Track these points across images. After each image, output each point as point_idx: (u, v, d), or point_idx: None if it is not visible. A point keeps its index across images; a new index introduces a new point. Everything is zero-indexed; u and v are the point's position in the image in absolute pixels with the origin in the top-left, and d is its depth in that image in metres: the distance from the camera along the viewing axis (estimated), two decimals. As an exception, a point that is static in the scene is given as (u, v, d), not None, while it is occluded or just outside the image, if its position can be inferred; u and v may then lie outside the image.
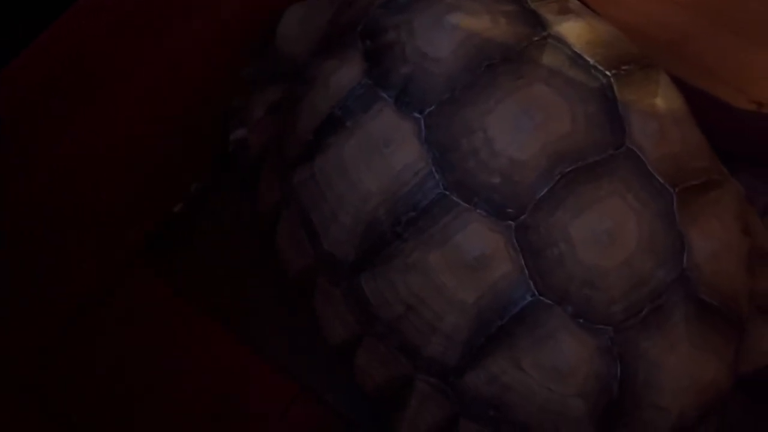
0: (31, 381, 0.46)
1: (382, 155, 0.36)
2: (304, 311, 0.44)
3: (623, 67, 0.37)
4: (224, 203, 0.53)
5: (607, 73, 0.37)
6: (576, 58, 0.37)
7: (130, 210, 0.50)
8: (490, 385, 0.36)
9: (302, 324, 0.46)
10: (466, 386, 0.36)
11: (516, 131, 0.35)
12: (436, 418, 0.38)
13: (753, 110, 0.47)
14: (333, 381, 0.46)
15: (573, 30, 0.38)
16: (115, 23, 0.46)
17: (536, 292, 0.34)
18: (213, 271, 0.51)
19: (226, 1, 0.47)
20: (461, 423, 0.37)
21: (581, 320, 0.34)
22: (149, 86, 0.48)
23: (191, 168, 0.53)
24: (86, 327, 0.48)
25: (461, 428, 0.37)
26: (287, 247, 0.42)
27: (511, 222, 0.34)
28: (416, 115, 0.36)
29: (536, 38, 0.37)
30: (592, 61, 0.37)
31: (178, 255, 0.51)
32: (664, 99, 0.38)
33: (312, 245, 0.40)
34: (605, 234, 0.34)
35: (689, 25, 0.48)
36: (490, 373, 0.36)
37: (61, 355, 0.47)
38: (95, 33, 0.47)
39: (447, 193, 0.35)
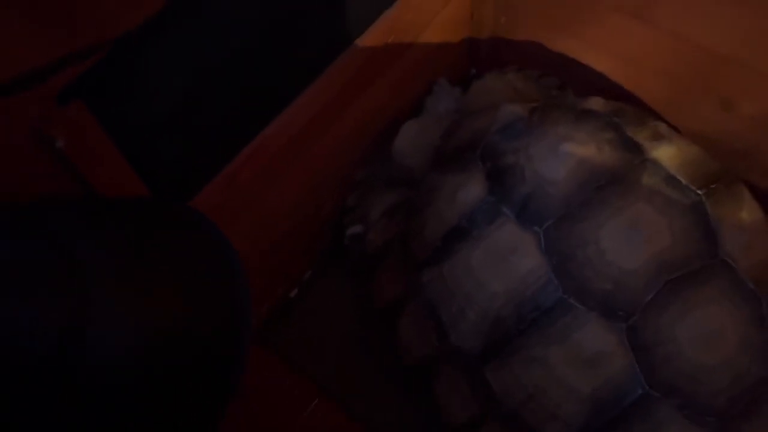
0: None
1: (508, 262, 0.42)
2: (414, 390, 0.49)
3: (711, 185, 0.43)
4: (333, 288, 0.60)
5: (699, 192, 0.43)
6: (671, 179, 0.43)
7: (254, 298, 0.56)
8: (605, 466, 0.40)
9: (411, 399, 0.51)
10: (583, 466, 0.41)
11: (625, 244, 0.40)
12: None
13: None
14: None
15: (666, 153, 0.44)
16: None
17: (646, 386, 0.39)
18: (324, 349, 0.57)
19: (341, 123, 0.54)
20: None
21: (687, 411, 0.39)
22: (279, 192, 0.55)
23: (306, 258, 0.60)
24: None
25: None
26: (411, 336, 0.48)
27: (623, 323, 0.40)
28: (536, 228, 0.42)
29: (636, 162, 0.43)
30: (684, 181, 0.43)
31: (293, 334, 0.57)
32: (748, 212, 0.43)
33: (438, 337, 0.45)
34: (708, 335, 0.39)
35: (757, 136, 0.54)
36: (605, 456, 0.40)
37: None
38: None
39: (565, 297, 0.41)
